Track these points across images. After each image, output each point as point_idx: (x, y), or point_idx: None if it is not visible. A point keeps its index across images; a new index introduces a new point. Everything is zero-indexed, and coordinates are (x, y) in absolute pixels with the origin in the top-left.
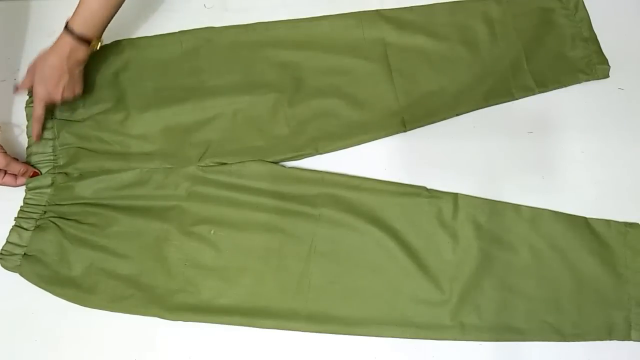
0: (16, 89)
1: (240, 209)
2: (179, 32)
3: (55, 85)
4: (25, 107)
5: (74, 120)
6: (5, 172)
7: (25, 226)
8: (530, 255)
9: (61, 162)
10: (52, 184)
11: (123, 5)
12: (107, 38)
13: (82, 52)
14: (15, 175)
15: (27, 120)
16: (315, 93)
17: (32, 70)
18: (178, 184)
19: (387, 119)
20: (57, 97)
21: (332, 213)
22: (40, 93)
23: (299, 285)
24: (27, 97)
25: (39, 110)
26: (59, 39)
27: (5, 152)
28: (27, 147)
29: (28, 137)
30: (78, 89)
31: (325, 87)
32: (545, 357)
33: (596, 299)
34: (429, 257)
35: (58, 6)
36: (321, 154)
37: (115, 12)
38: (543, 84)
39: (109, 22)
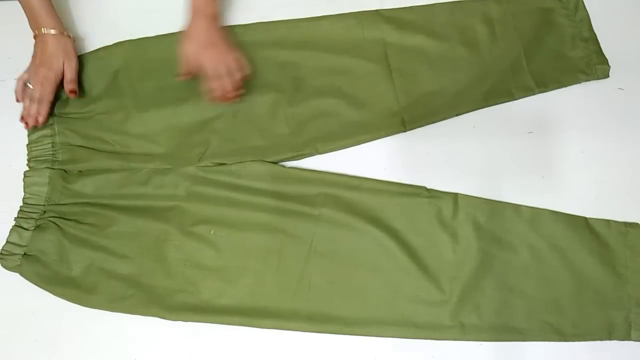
0: (179, 76)
1: (240, 209)
2: (179, 32)
3: (213, 39)
4: None
5: (74, 118)
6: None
7: (25, 226)
8: (530, 255)
9: (60, 158)
10: (50, 180)
11: (123, 6)
12: (108, 38)
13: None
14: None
15: None
16: (315, 93)
17: (185, 48)
18: (178, 184)
19: (387, 119)
20: (224, 53)
21: (332, 213)
22: (202, 59)
23: (299, 285)
24: None
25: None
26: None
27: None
28: (27, 144)
29: (27, 135)
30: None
31: (325, 87)
32: (545, 357)
33: (596, 299)
34: (429, 257)
35: (58, 6)
36: (321, 153)
37: None
38: (543, 84)
39: None
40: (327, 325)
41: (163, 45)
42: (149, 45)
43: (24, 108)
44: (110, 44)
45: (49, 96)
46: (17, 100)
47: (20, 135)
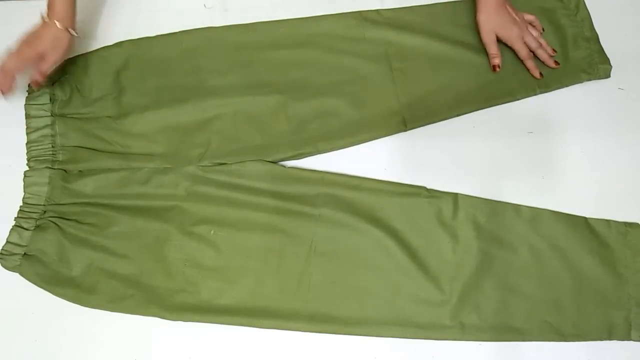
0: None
1: (240, 209)
2: (179, 32)
3: None
4: (25, 105)
5: (74, 118)
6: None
7: (25, 226)
8: (530, 255)
9: (60, 158)
10: (50, 180)
11: (123, 6)
12: (108, 38)
13: None
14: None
15: (27, 119)
16: (315, 92)
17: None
18: (178, 183)
19: (388, 118)
20: None
21: (332, 213)
22: None
23: (299, 285)
24: (27, 94)
25: None
26: None
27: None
28: (27, 143)
29: (27, 135)
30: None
31: (325, 87)
32: (545, 357)
33: (596, 299)
34: (429, 257)
35: None
36: (321, 153)
37: None
38: (545, 84)
39: None
40: (327, 325)
41: (163, 45)
42: (149, 45)
43: None
44: (111, 44)
45: (16, 65)
46: None
47: (20, 135)
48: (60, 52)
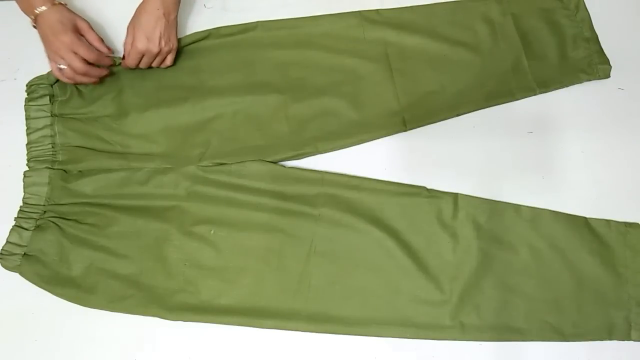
0: (122, 58)
1: (240, 209)
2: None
3: (152, 31)
4: (25, 106)
5: (74, 118)
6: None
7: (25, 226)
8: (530, 255)
9: (60, 158)
10: (50, 180)
11: (123, 7)
12: (108, 39)
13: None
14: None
15: (27, 120)
16: (315, 92)
17: (131, 25)
18: (178, 183)
19: (388, 118)
20: (155, 46)
21: (332, 213)
22: (139, 42)
23: (299, 286)
24: (26, 96)
25: (132, 60)
26: None
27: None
28: (27, 144)
29: (27, 135)
30: (174, 40)
31: (325, 87)
32: (545, 357)
33: (596, 299)
34: (429, 257)
35: None
36: (321, 153)
37: None
38: (544, 84)
39: None
40: (327, 325)
41: None
42: None
43: (79, 81)
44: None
45: (87, 54)
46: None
47: (20, 136)
48: (78, 17)
